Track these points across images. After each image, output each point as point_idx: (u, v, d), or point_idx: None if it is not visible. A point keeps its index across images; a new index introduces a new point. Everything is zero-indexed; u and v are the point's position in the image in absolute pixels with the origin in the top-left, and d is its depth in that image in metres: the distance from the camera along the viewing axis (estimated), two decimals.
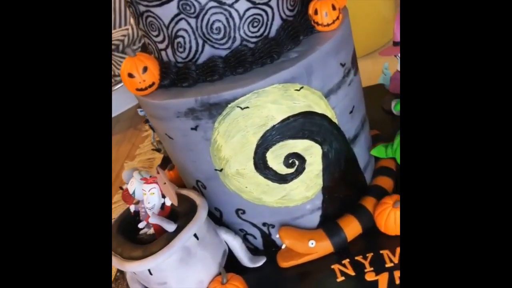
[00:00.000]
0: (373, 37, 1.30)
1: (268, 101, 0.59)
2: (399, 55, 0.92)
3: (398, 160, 0.70)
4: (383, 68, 0.95)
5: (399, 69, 0.93)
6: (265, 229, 0.73)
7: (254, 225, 0.73)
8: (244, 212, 0.71)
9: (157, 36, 0.61)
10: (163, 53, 0.63)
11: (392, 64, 0.96)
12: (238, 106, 0.59)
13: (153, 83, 0.62)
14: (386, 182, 0.76)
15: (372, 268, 0.67)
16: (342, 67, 0.64)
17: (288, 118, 0.61)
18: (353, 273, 0.67)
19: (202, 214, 0.66)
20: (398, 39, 0.89)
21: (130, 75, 0.61)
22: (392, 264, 0.66)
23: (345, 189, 0.72)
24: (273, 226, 0.72)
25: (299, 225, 0.72)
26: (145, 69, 0.61)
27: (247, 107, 0.59)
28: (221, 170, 0.66)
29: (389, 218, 0.69)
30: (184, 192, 0.72)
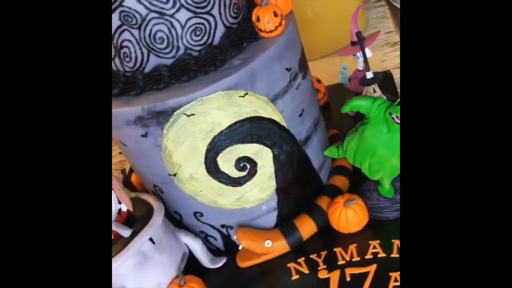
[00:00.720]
0: (340, 35, 1.31)
1: (213, 108, 0.61)
2: (357, 54, 0.93)
3: (350, 161, 0.72)
4: (341, 67, 0.96)
5: (359, 68, 0.95)
6: (224, 230, 0.75)
7: (213, 227, 0.75)
8: (202, 215, 0.73)
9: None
10: (112, 63, 0.64)
11: (352, 64, 0.97)
12: (184, 113, 0.60)
13: None
14: (341, 181, 0.78)
15: (325, 266, 0.69)
16: (288, 71, 0.66)
17: (235, 123, 0.63)
18: (307, 271, 0.69)
19: (157, 219, 0.68)
20: (355, 38, 0.90)
21: None
22: (343, 262, 0.68)
23: (300, 190, 0.74)
24: (231, 228, 0.74)
25: (257, 225, 0.74)
26: None
27: (193, 114, 0.61)
28: (175, 175, 0.67)
29: (340, 217, 0.71)
30: (143, 196, 0.74)
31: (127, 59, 0.62)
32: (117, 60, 0.63)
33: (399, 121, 0.64)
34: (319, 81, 1.03)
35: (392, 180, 0.72)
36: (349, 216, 0.70)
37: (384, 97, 0.80)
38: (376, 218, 0.73)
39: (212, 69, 0.61)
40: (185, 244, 0.74)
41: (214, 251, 0.78)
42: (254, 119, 0.64)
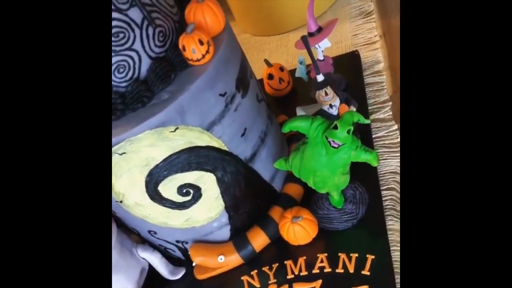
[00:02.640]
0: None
1: (144, 146, 0.60)
2: (317, 46, 0.89)
3: (296, 175, 0.71)
4: (297, 61, 0.92)
5: (319, 58, 0.91)
6: (180, 245, 0.77)
7: (169, 242, 0.77)
8: (156, 233, 0.75)
9: None
10: None
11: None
12: (115, 153, 0.60)
13: None
14: (295, 190, 0.78)
15: (275, 280, 0.71)
16: (222, 97, 0.64)
17: (170, 156, 0.62)
18: (258, 285, 0.72)
19: None
20: (312, 29, 0.86)
21: None
22: (292, 276, 0.70)
23: (251, 204, 0.75)
24: (186, 242, 0.76)
25: (211, 240, 0.76)
26: None
27: (125, 153, 0.60)
28: (121, 201, 0.68)
29: (289, 231, 0.71)
30: None
31: None
32: None
33: (336, 146, 0.62)
34: (282, 69, 1.00)
35: (342, 190, 0.72)
36: (296, 231, 0.71)
37: (338, 101, 0.78)
38: (326, 229, 0.74)
39: (140, 106, 0.60)
40: (144, 259, 0.77)
41: (176, 260, 0.80)
42: (190, 149, 0.63)
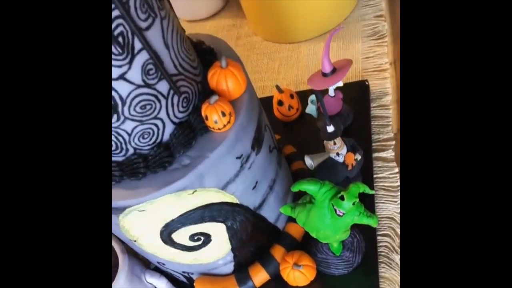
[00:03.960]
0: (327, 12, 1.23)
1: (163, 205, 0.64)
2: (331, 88, 0.91)
3: (300, 224, 0.76)
4: (309, 100, 0.94)
5: (330, 94, 0.94)
6: (186, 274, 0.82)
7: (176, 272, 0.82)
8: (164, 264, 0.80)
9: None
10: None
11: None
12: (135, 210, 0.64)
13: None
14: (297, 230, 0.83)
15: None
16: (239, 159, 0.67)
17: (186, 212, 0.66)
18: None
19: (120, 278, 0.75)
20: (326, 70, 0.87)
21: None
22: None
23: (255, 243, 0.80)
24: (192, 273, 0.82)
25: (215, 273, 0.81)
26: None
27: (144, 210, 0.64)
28: (135, 241, 0.73)
29: (289, 275, 0.77)
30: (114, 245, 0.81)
31: None
32: None
33: (341, 214, 0.67)
34: (292, 96, 1.02)
35: None
36: (296, 276, 0.77)
37: (345, 149, 0.81)
38: (323, 272, 0.79)
39: (161, 169, 0.63)
40: (151, 284, 0.83)
41: (181, 283, 0.86)
42: (205, 206, 0.67)
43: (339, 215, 0.67)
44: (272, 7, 1.23)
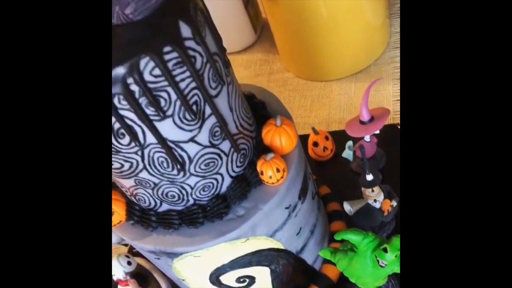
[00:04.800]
0: (359, 50, 1.28)
1: (217, 252, 0.68)
2: (366, 139, 0.96)
3: (340, 269, 0.80)
4: (346, 145, 0.99)
5: (366, 140, 0.98)
6: None
7: None
8: None
9: (122, 187, 0.69)
10: (127, 194, 0.71)
11: None
12: (191, 255, 0.69)
13: (120, 221, 0.72)
14: (333, 271, 0.87)
15: None
16: (287, 209, 0.72)
17: (236, 258, 0.71)
18: None
19: None
20: (365, 118, 0.92)
21: None
22: None
23: (294, 284, 0.84)
24: None
25: None
26: (112, 213, 0.70)
27: (199, 256, 0.69)
28: (183, 279, 0.77)
29: None
30: (156, 275, 0.85)
31: (142, 202, 0.69)
32: (133, 198, 0.70)
33: (383, 265, 0.71)
34: (327, 138, 1.07)
35: None
36: None
37: (382, 196, 0.86)
38: None
39: (218, 219, 0.68)
40: None
41: None
42: (254, 252, 0.72)
43: (381, 266, 0.71)
44: (305, 45, 1.28)
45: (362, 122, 0.93)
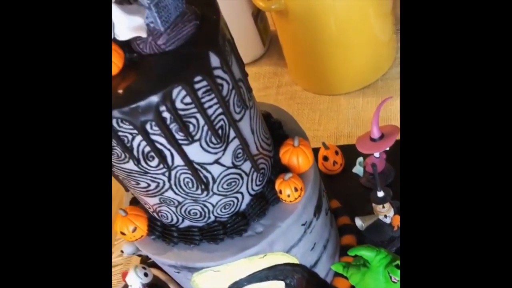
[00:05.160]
0: (368, 65, 1.31)
1: (236, 267, 0.71)
2: (376, 155, 0.99)
3: (352, 283, 0.83)
4: (357, 161, 1.02)
5: (376, 156, 1.01)
6: None
7: None
8: None
9: (145, 204, 0.72)
10: (150, 210, 0.74)
11: None
12: (211, 270, 0.71)
13: (142, 236, 0.74)
14: (344, 284, 0.90)
15: None
16: (303, 226, 0.74)
17: (253, 273, 0.74)
18: None
19: None
20: (375, 136, 0.95)
21: (122, 233, 0.73)
22: None
23: None
24: None
25: None
26: (134, 229, 0.72)
27: (219, 271, 0.71)
28: None
29: None
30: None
31: (164, 218, 0.71)
32: (155, 214, 0.73)
33: (395, 281, 0.74)
34: (337, 152, 1.09)
35: None
36: None
37: (392, 212, 0.89)
38: None
39: (237, 236, 0.70)
40: None
41: None
42: (270, 267, 0.74)
43: (394, 282, 0.74)
44: (313, 60, 1.31)
45: (372, 139, 0.96)
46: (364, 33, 1.24)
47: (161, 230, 0.73)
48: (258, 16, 1.46)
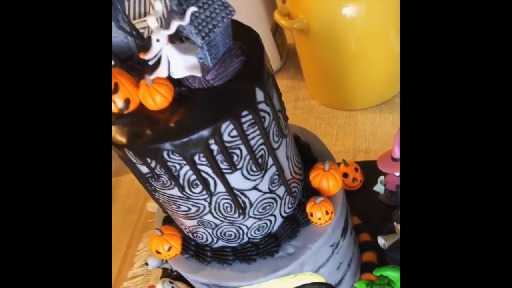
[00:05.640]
0: (384, 85, 1.33)
1: (267, 286, 0.74)
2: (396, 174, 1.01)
3: None
4: (378, 180, 1.05)
5: (396, 174, 1.04)
6: None
7: None
8: None
9: (181, 224, 0.75)
10: (185, 230, 0.77)
11: None
12: None
13: (176, 254, 0.77)
14: None
15: None
16: (331, 247, 0.77)
17: None
18: None
19: None
20: (397, 155, 0.97)
21: (158, 252, 0.76)
22: None
23: None
24: None
25: None
26: (169, 248, 0.75)
27: None
28: None
29: None
30: None
31: (199, 238, 0.74)
32: (190, 234, 0.75)
33: None
34: (357, 169, 1.12)
35: None
36: None
37: None
38: None
39: (269, 256, 0.73)
40: None
41: None
42: (299, 287, 0.77)
43: None
44: (331, 76, 1.34)
45: (394, 159, 0.98)
46: (383, 50, 1.27)
47: (195, 249, 0.76)
48: (277, 31, 1.49)
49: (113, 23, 0.57)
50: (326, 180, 0.75)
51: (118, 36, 0.60)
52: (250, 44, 0.61)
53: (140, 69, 0.61)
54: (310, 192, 0.76)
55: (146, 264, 1.09)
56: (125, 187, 1.52)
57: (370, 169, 1.13)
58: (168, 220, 0.81)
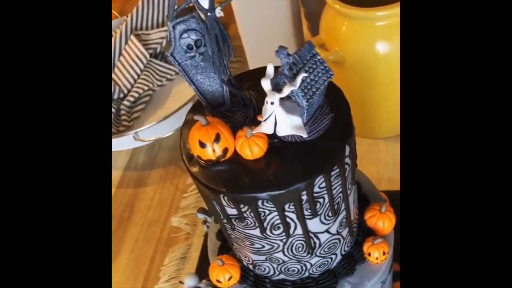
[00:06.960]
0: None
1: None
2: None
3: None
4: None
5: None
6: None
7: None
8: None
9: (245, 257, 0.78)
10: (245, 261, 0.80)
11: None
12: None
13: (234, 283, 0.81)
14: None
15: None
16: (381, 283, 0.82)
17: None
18: None
19: None
20: None
21: (218, 281, 0.79)
22: None
23: None
24: None
25: None
26: (230, 277, 0.79)
27: None
28: None
29: None
30: None
31: (261, 270, 0.78)
32: (250, 266, 0.79)
33: None
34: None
35: None
36: None
37: None
38: None
39: None
40: None
41: None
42: None
43: None
44: (358, 104, 1.38)
45: None
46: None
47: (254, 280, 0.80)
48: None
49: (216, 75, 0.61)
50: (382, 221, 0.80)
51: (213, 85, 0.64)
52: (335, 98, 0.65)
53: (230, 116, 0.65)
54: (366, 231, 0.80)
55: (181, 282, 1.12)
56: (146, 199, 1.54)
57: (395, 199, 1.19)
58: (225, 249, 0.84)
